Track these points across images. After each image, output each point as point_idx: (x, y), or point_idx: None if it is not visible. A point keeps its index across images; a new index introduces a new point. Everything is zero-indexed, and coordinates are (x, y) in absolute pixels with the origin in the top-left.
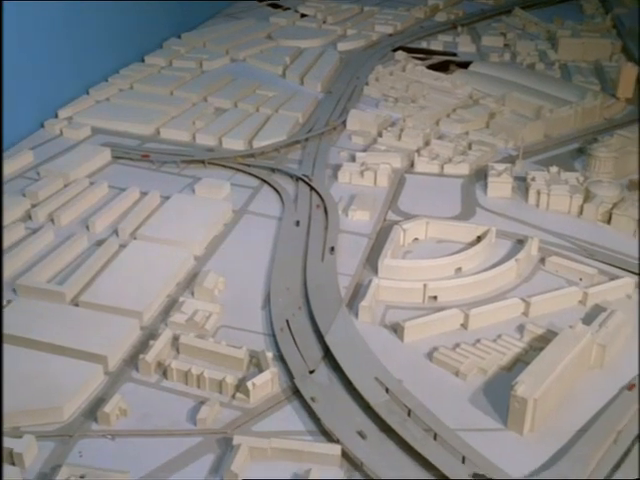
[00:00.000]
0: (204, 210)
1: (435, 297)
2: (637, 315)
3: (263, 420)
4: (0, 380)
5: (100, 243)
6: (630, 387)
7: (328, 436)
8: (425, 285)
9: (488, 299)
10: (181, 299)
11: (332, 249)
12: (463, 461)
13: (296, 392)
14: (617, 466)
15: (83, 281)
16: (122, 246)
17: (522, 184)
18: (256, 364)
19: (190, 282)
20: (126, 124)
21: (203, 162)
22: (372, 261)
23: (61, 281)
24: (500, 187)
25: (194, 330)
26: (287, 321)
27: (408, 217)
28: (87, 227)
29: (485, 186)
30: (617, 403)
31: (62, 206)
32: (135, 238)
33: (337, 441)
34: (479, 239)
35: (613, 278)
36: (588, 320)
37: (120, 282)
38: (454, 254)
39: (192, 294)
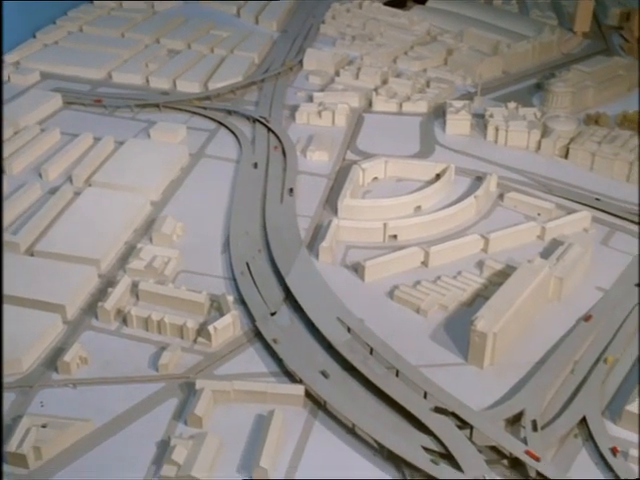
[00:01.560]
0: (160, 155)
1: (395, 236)
2: (593, 247)
3: (225, 363)
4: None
5: (54, 191)
6: (587, 318)
7: (291, 377)
8: (385, 224)
9: (448, 236)
10: (139, 245)
11: (291, 191)
12: (425, 396)
13: (258, 334)
14: (574, 395)
15: (38, 230)
16: (77, 193)
17: (480, 121)
18: (217, 308)
19: (148, 228)
20: (76, 68)
21: (158, 106)
22: (332, 202)
23: (15, 231)
24: (458, 124)
25: (153, 276)
26: (247, 264)
27: (367, 156)
28: (40, 175)
29: (444, 123)
30: (574, 334)
31: (13, 154)
32: (90, 185)
33: (300, 381)
34: (438, 177)
35: (570, 212)
36: (546, 254)
37: (76, 230)
38: (414, 192)
39: (150, 240)
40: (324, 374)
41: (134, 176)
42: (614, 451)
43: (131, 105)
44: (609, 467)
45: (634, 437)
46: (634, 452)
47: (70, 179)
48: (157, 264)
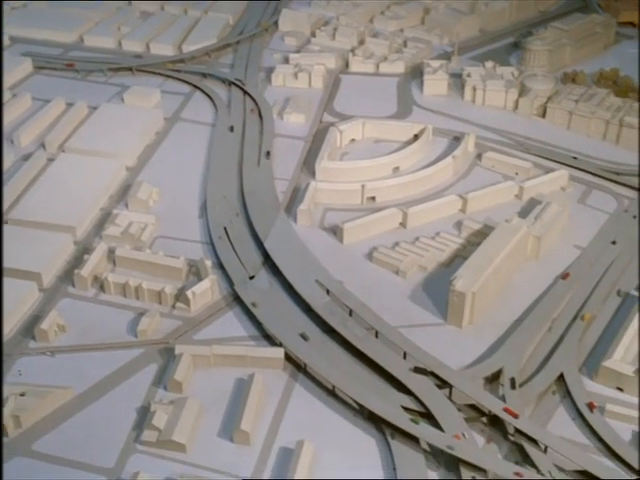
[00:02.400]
0: (134, 119)
1: (373, 197)
2: (571, 206)
3: (205, 328)
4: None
5: (27, 158)
6: (565, 276)
7: (271, 340)
8: (363, 186)
9: (426, 197)
10: (115, 212)
11: (268, 154)
12: (404, 357)
13: (237, 298)
14: (551, 353)
15: (11, 198)
16: (50, 160)
17: (458, 81)
18: (195, 273)
19: (123, 194)
20: (47, 32)
21: (131, 69)
22: (309, 164)
23: None
24: (436, 84)
25: (130, 242)
26: (225, 228)
27: (344, 118)
28: (12, 141)
29: (421, 84)
30: (552, 292)
31: None
32: (63, 151)
33: (280, 344)
34: (416, 137)
35: (548, 171)
36: (524, 213)
37: (50, 197)
38: (391, 154)
39: (126, 206)
40: (304, 337)
41: (108, 141)
42: (591, 406)
43: (104, 69)
44: (586, 422)
45: (610, 392)
46: (610, 407)
47: (43, 145)
48: (133, 230)
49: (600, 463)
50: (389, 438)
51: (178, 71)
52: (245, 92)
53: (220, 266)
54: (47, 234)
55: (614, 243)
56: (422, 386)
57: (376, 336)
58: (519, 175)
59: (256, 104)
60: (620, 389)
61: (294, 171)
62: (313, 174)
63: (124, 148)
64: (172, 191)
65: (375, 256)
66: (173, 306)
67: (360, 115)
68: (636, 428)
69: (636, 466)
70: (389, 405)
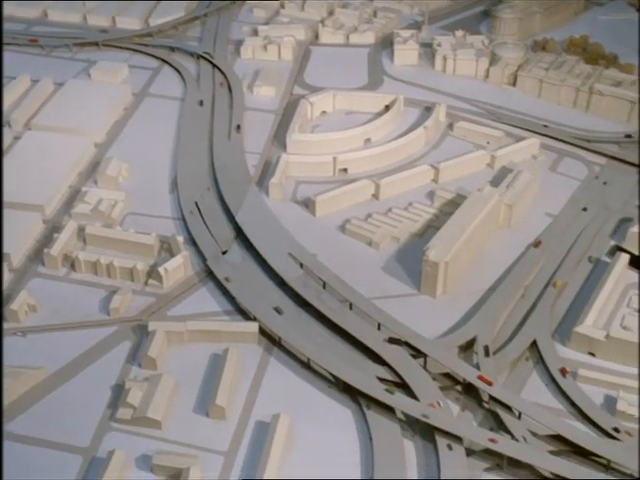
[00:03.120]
0: (102, 95)
1: (345, 169)
2: (542, 174)
3: (178, 304)
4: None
5: None
6: (536, 244)
7: (245, 315)
8: (335, 158)
9: (398, 168)
10: (84, 189)
11: (238, 127)
12: (379, 327)
13: (210, 274)
14: (524, 320)
15: None
16: (16, 138)
17: (428, 50)
18: (167, 249)
19: (92, 171)
20: (9, 7)
21: (97, 44)
22: (280, 137)
23: None
24: (406, 54)
25: (100, 220)
26: (196, 203)
27: (315, 90)
28: None
29: (391, 54)
30: (524, 260)
31: None
32: (29, 129)
33: (254, 319)
34: (387, 108)
35: (519, 140)
36: (496, 182)
37: (17, 176)
38: (363, 125)
39: (95, 183)
40: (278, 310)
41: (76, 118)
42: (563, 372)
43: (69, 44)
44: (559, 388)
45: (583, 357)
46: (583, 372)
47: (9, 123)
48: (103, 207)
49: (573, 427)
50: (365, 409)
51: (145, 45)
52: (214, 65)
53: (192, 242)
54: (15, 213)
55: (585, 210)
56: (397, 356)
57: (350, 308)
58: (490, 144)
59: (225, 77)
60: (592, 354)
61: (265, 144)
62: (284, 147)
63: (92, 124)
64: (142, 167)
65: (348, 228)
66: (145, 283)
67: (331, 87)
68: (608, 392)
69: (607, 428)
70: (364, 376)
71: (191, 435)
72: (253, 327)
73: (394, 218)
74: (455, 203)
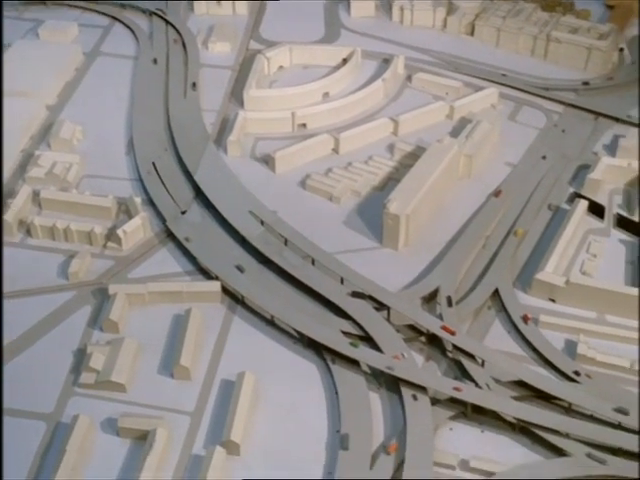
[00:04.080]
0: (52, 56)
1: (304, 124)
2: (501, 123)
3: (138, 266)
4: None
5: None
6: (497, 193)
7: (206, 274)
8: (293, 113)
9: (358, 121)
10: (37, 153)
11: (194, 85)
12: (342, 282)
13: (170, 235)
14: (486, 269)
15: None
16: None
17: (385, 1)
18: (125, 211)
19: (45, 134)
20: None
21: (44, 3)
22: (237, 94)
23: None
24: (363, 6)
25: (55, 183)
26: (153, 164)
27: (271, 45)
28: None
29: (348, 6)
30: (485, 210)
31: None
32: None
33: (216, 278)
34: (345, 61)
35: (478, 90)
36: (455, 133)
37: None
38: (321, 79)
39: (48, 146)
40: (240, 269)
41: (25, 80)
42: (525, 319)
43: (15, 3)
44: (521, 334)
45: (544, 304)
46: (544, 318)
47: None
48: (58, 170)
49: (535, 372)
50: (330, 363)
51: (95, 2)
52: (167, 22)
53: (150, 203)
54: None
55: (544, 158)
56: (360, 310)
57: (312, 263)
58: (449, 95)
59: (179, 34)
60: (553, 300)
61: (222, 102)
62: (242, 104)
63: (43, 86)
64: (96, 128)
65: (308, 184)
66: (104, 246)
67: (287, 41)
68: (569, 336)
69: (568, 372)
70: (328, 331)
71: (156, 397)
72: (215, 286)
73: (354, 172)
74: (415, 155)
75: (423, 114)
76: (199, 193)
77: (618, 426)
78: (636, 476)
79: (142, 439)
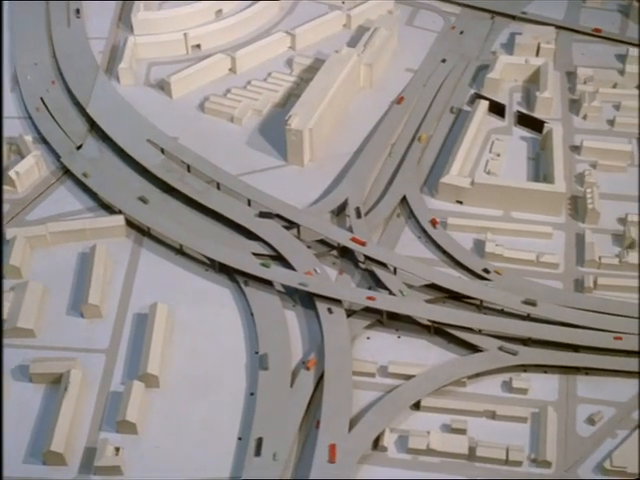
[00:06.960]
0: None
1: (198, 45)
2: (398, 29)
3: (36, 208)
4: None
5: None
6: (399, 100)
7: (109, 209)
8: (186, 34)
9: (254, 38)
10: None
11: (77, 11)
12: (249, 203)
13: (66, 172)
14: (393, 177)
15: None
16: None
17: None
18: (16, 151)
19: None
20: None
21: None
22: (125, 18)
23: None
24: None
25: None
26: (42, 99)
27: None
28: None
29: None
30: (388, 118)
31: None
32: None
33: (119, 212)
34: None
35: None
36: (353, 42)
37: None
38: None
39: None
40: (143, 200)
41: None
42: (434, 223)
43: None
44: (430, 239)
45: (451, 207)
46: (452, 220)
47: None
48: None
49: (445, 274)
50: (243, 286)
51: None
52: None
53: (43, 140)
54: None
55: (444, 61)
56: (269, 230)
57: (218, 188)
58: (345, 3)
59: None
60: (460, 202)
61: (110, 28)
62: (131, 29)
63: None
64: None
65: (207, 106)
66: None
67: None
68: (477, 236)
69: (478, 270)
70: (239, 254)
71: (68, 338)
72: (119, 220)
73: (254, 91)
74: (314, 68)
75: (320, 25)
76: (94, 125)
77: (527, 317)
78: (543, 362)
79: (57, 383)
